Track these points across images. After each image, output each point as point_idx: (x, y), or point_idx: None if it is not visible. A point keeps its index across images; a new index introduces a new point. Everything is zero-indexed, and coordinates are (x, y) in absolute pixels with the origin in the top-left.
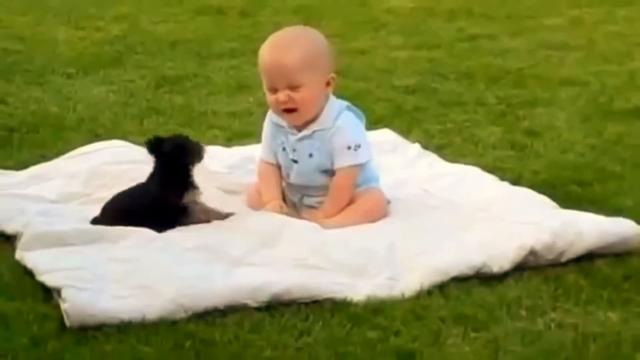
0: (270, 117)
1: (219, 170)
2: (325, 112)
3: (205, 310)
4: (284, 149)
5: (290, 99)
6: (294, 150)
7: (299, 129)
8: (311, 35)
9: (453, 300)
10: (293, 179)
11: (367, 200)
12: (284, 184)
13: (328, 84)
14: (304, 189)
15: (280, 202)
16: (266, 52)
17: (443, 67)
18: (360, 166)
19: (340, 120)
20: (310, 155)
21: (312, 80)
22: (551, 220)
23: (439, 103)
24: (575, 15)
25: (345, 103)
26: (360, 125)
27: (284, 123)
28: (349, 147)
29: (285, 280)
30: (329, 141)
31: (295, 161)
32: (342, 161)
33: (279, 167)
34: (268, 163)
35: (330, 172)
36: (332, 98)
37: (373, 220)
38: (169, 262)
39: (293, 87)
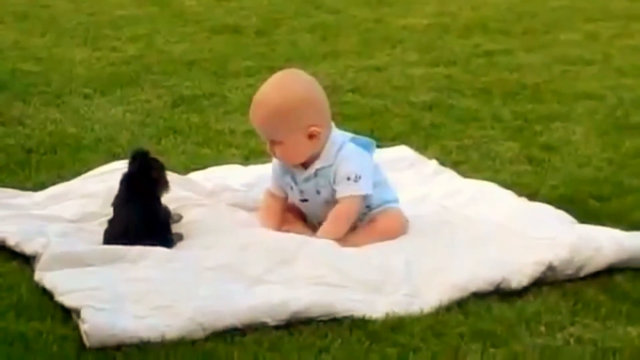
0: None
1: (236, 187)
2: (326, 149)
3: (224, 329)
4: (291, 188)
5: (273, 151)
6: (302, 191)
7: (304, 166)
8: (288, 88)
9: (472, 316)
10: (305, 213)
11: (385, 220)
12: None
13: (311, 136)
14: (317, 218)
15: None
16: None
17: (459, 83)
18: (362, 197)
19: (342, 153)
20: (318, 192)
21: (289, 137)
22: (569, 235)
23: (456, 119)
24: (591, 29)
25: (348, 135)
26: (364, 156)
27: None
28: (349, 178)
29: (304, 298)
30: (333, 176)
31: (305, 200)
32: (343, 191)
33: (285, 198)
34: (273, 195)
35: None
36: (335, 132)
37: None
38: (188, 282)
39: (273, 142)
